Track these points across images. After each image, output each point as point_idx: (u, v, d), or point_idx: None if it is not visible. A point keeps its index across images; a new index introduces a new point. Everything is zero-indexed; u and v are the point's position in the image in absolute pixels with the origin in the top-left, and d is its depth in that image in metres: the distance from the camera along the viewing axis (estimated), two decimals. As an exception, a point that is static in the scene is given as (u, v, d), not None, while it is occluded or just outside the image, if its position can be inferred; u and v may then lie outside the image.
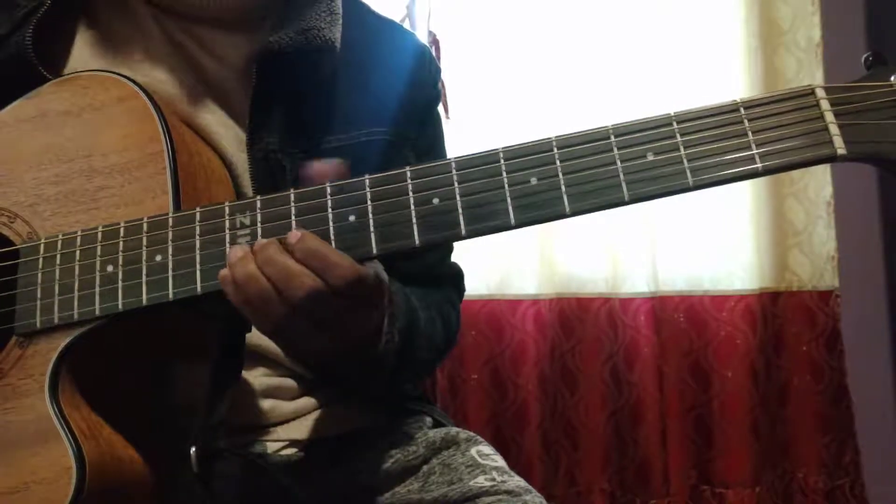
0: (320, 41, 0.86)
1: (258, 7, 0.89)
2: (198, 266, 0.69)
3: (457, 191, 0.67)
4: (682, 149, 0.65)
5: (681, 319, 2.00)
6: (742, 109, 0.65)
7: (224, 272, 0.69)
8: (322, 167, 0.84)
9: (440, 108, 1.08)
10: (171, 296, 0.69)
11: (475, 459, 0.90)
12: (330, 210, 0.68)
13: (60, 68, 0.86)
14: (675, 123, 0.66)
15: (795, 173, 2.01)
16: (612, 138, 0.66)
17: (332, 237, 0.69)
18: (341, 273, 0.68)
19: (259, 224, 0.69)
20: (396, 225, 0.67)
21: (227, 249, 0.70)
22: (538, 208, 0.66)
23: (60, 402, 0.69)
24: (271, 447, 0.90)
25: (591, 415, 1.97)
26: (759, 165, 0.64)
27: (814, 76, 2.01)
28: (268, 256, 0.68)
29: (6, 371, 0.72)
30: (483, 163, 0.67)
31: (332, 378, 0.91)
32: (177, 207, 0.72)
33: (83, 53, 0.87)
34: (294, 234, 0.68)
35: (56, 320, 0.71)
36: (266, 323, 0.70)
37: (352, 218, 0.67)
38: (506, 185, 0.66)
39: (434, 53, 1.84)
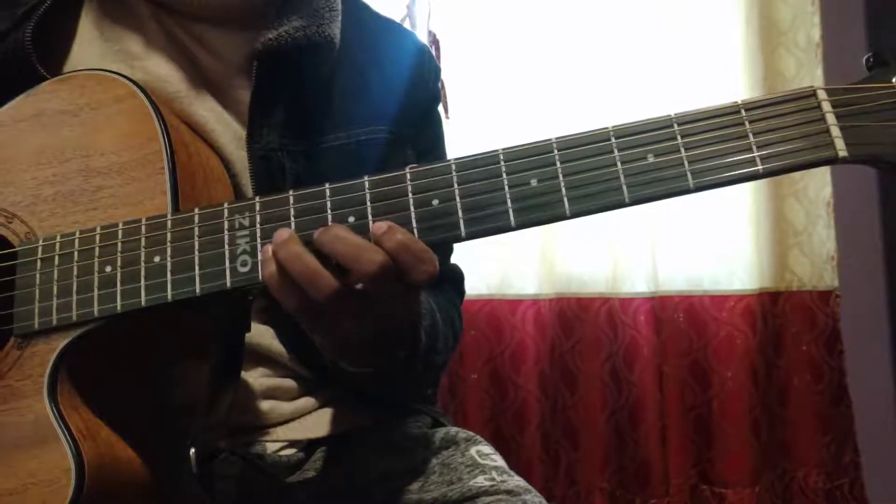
0: (319, 37, 0.86)
1: (257, 5, 0.89)
2: (196, 268, 0.69)
3: (457, 192, 0.67)
4: (682, 150, 0.64)
5: (681, 319, 2.00)
6: (743, 111, 0.65)
7: (266, 250, 0.66)
8: None
9: (440, 108, 1.08)
10: (169, 297, 0.69)
11: (475, 459, 0.90)
12: (329, 211, 0.68)
13: (59, 67, 0.86)
14: (675, 125, 0.65)
15: (795, 174, 2.01)
16: (613, 140, 0.66)
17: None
18: (429, 269, 0.66)
19: (258, 225, 0.69)
20: (396, 226, 0.67)
21: (226, 250, 0.69)
22: (538, 210, 0.66)
23: (59, 403, 0.69)
24: (271, 447, 0.90)
25: (591, 415, 1.97)
26: (759, 168, 0.64)
27: (814, 76, 2.00)
28: (337, 233, 0.65)
29: (4, 372, 0.71)
30: (483, 164, 0.67)
31: (354, 377, 0.83)
32: (175, 208, 0.72)
33: (82, 52, 0.87)
34: (379, 226, 0.66)
35: (54, 322, 0.71)
36: (303, 301, 0.67)
37: (351, 219, 0.67)
38: (506, 187, 0.66)
39: (434, 53, 1.84)
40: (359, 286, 0.66)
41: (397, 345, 0.77)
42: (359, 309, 0.68)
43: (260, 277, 0.67)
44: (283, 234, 0.66)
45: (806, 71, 2.02)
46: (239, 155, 0.86)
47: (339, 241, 0.65)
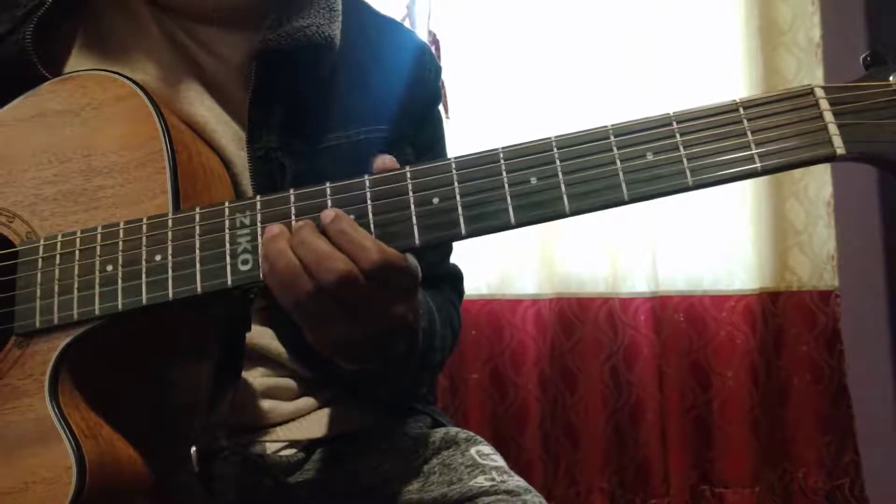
0: (319, 38, 0.86)
1: (257, 6, 0.89)
2: (197, 266, 0.69)
3: (457, 190, 0.67)
4: (681, 148, 0.65)
5: (681, 319, 2.00)
6: (741, 109, 0.65)
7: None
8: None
9: (440, 107, 1.08)
10: (170, 296, 0.69)
11: (475, 459, 0.90)
12: (330, 210, 0.68)
13: (60, 67, 0.86)
14: (674, 123, 0.66)
15: (795, 173, 2.01)
16: (612, 138, 0.66)
17: (332, 236, 0.68)
18: (369, 256, 0.65)
19: (259, 224, 0.69)
20: (396, 225, 0.67)
21: (227, 248, 0.69)
22: (538, 208, 0.66)
23: (60, 402, 0.69)
24: (271, 447, 0.90)
25: (591, 415, 1.97)
26: (758, 165, 0.64)
27: (814, 76, 2.01)
28: (302, 238, 0.66)
29: (6, 371, 0.71)
30: (483, 162, 0.67)
31: (351, 375, 0.83)
32: (176, 207, 0.72)
33: (83, 52, 0.87)
34: (328, 214, 0.66)
35: (55, 320, 0.71)
36: (290, 299, 0.67)
37: (351, 217, 0.67)
38: (506, 185, 0.66)
39: (434, 53, 1.84)
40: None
41: (392, 344, 0.77)
42: (343, 312, 0.67)
43: (261, 276, 0.68)
44: (272, 229, 0.67)
45: (806, 71, 2.02)
46: (239, 155, 0.86)
47: (302, 247, 0.65)
